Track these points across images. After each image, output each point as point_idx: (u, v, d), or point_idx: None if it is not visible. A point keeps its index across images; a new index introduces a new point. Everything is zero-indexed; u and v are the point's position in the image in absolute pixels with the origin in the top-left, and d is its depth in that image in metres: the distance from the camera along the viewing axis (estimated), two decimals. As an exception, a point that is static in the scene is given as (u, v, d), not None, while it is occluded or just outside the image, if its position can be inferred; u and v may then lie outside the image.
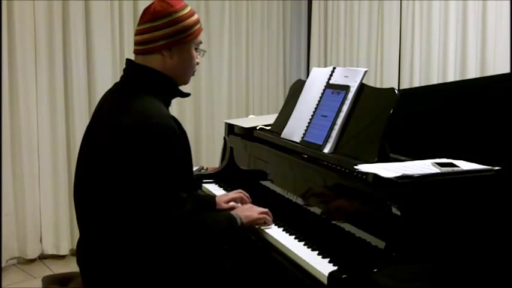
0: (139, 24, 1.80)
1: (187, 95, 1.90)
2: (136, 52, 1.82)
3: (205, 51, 1.91)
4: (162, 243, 1.65)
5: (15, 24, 3.47)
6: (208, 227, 1.73)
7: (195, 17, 1.82)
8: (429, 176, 1.57)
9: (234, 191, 2.19)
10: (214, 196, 2.19)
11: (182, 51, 1.80)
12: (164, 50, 1.77)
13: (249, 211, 1.92)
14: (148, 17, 1.77)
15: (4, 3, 3.42)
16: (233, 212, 1.87)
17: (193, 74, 1.89)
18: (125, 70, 1.84)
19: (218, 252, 1.89)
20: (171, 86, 1.82)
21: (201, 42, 1.86)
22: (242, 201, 2.16)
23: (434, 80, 3.64)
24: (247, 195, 2.17)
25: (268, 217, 1.94)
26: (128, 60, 1.85)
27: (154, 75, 1.78)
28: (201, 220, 1.71)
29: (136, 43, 1.81)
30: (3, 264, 3.49)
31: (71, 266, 3.33)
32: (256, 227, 1.94)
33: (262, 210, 1.94)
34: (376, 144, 1.79)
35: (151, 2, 1.82)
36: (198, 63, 1.87)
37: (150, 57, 1.78)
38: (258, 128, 2.49)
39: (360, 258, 1.62)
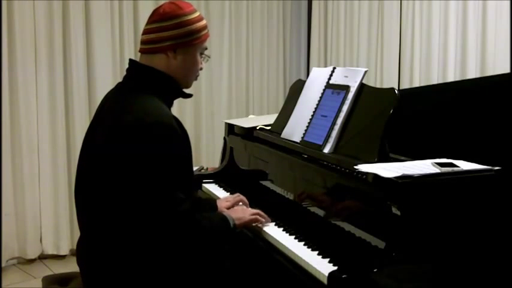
0: (147, 23, 1.81)
1: (189, 95, 1.90)
2: (141, 51, 1.83)
3: (209, 57, 1.92)
4: (158, 243, 1.65)
5: (15, 24, 3.47)
6: (202, 228, 1.73)
7: (203, 22, 1.83)
8: (429, 176, 1.57)
9: (234, 195, 2.19)
10: (215, 200, 2.18)
11: (187, 54, 1.80)
12: (169, 51, 1.77)
13: (241, 213, 1.92)
14: (156, 17, 1.78)
15: (4, 3, 3.42)
16: (226, 214, 1.87)
17: (195, 79, 1.89)
18: (127, 70, 1.85)
19: (218, 252, 1.90)
20: (173, 86, 1.83)
21: (206, 48, 1.87)
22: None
23: (434, 80, 3.64)
24: (246, 201, 2.17)
25: (260, 218, 1.94)
26: (130, 60, 1.86)
27: (156, 75, 1.79)
28: (195, 221, 1.71)
29: (142, 42, 1.82)
30: (3, 264, 3.50)
31: (71, 266, 3.32)
32: (255, 224, 1.95)
33: (254, 212, 1.95)
34: (376, 144, 1.79)
35: (161, 3, 1.82)
36: (201, 69, 1.88)
37: (155, 57, 1.79)
38: (258, 128, 2.49)
39: (360, 258, 1.62)
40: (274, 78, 4.72)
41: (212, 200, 2.21)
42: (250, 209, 2.01)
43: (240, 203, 2.12)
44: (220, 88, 4.45)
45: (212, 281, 1.82)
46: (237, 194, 2.18)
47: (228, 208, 2.10)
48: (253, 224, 1.95)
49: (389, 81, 3.96)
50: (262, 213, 1.97)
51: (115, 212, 1.66)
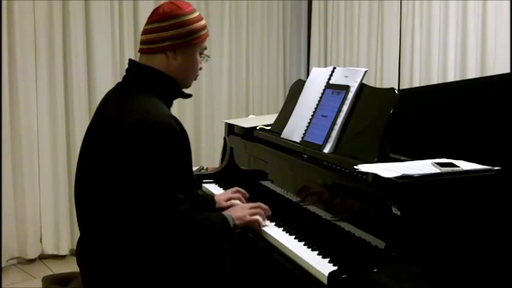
0: (147, 24, 1.81)
1: (189, 95, 1.90)
2: (141, 51, 1.83)
3: (209, 57, 1.92)
4: (157, 243, 1.65)
5: (15, 24, 3.47)
6: (201, 228, 1.73)
7: (203, 22, 1.83)
8: (429, 176, 1.57)
9: (232, 189, 2.20)
10: (212, 195, 2.19)
11: (186, 54, 1.80)
12: (169, 51, 1.78)
13: (241, 212, 1.92)
14: (156, 17, 1.78)
15: (4, 3, 3.42)
16: (226, 213, 1.87)
17: (195, 79, 1.90)
18: (127, 70, 1.85)
19: (218, 252, 1.90)
20: (172, 86, 1.83)
21: (205, 48, 1.87)
22: (240, 201, 2.16)
23: (434, 80, 3.64)
24: (244, 192, 2.18)
25: (260, 217, 1.94)
26: (130, 60, 1.86)
27: (156, 75, 1.79)
28: (195, 221, 1.71)
29: (142, 42, 1.82)
30: (3, 264, 3.49)
31: (71, 266, 3.32)
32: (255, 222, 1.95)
33: (254, 212, 1.94)
34: (376, 144, 1.79)
35: (161, 3, 1.82)
36: (201, 68, 1.88)
37: (154, 57, 1.79)
38: (258, 128, 2.49)
39: (360, 258, 1.62)
40: (274, 78, 4.72)
41: (209, 196, 2.21)
42: (249, 205, 2.00)
43: (238, 201, 2.13)
44: (220, 88, 4.45)
45: (212, 281, 1.82)
46: (235, 189, 2.18)
47: (226, 201, 2.11)
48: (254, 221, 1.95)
49: (389, 81, 3.96)
50: (262, 205, 1.97)
51: (115, 212, 1.66)
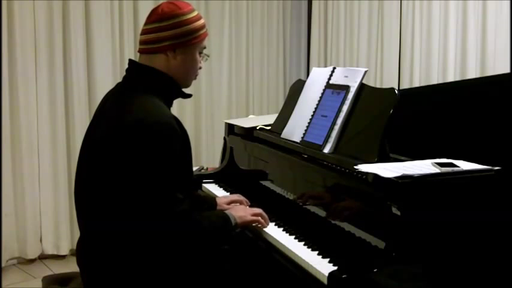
0: (146, 24, 1.81)
1: (189, 95, 1.90)
2: (140, 51, 1.83)
3: (208, 56, 1.93)
4: (157, 243, 1.65)
5: (15, 24, 3.47)
6: (201, 228, 1.73)
7: (202, 21, 1.83)
8: (429, 176, 1.57)
9: (234, 195, 2.20)
10: (214, 197, 2.19)
11: (186, 54, 1.80)
12: (169, 51, 1.78)
13: (243, 212, 1.92)
14: (155, 17, 1.78)
15: (4, 3, 3.42)
16: (227, 212, 1.87)
17: (195, 78, 1.90)
18: (127, 70, 1.85)
19: (218, 252, 1.90)
20: (173, 86, 1.83)
21: (205, 47, 1.87)
22: (241, 204, 2.16)
23: (434, 80, 3.64)
24: (247, 200, 2.18)
25: (261, 219, 1.94)
26: (130, 60, 1.86)
27: (156, 75, 1.79)
28: (194, 220, 1.71)
29: (141, 42, 1.82)
30: (3, 264, 3.49)
31: (71, 266, 3.32)
32: (255, 225, 1.95)
33: (256, 212, 1.94)
34: (376, 144, 1.79)
35: (160, 3, 1.82)
36: (200, 68, 1.88)
37: (154, 57, 1.79)
38: (258, 128, 2.49)
39: (360, 258, 1.62)
40: (274, 78, 4.72)
41: (211, 197, 2.21)
42: (251, 208, 2.01)
43: (239, 204, 2.13)
44: (220, 88, 4.45)
45: (212, 281, 1.82)
46: (238, 195, 2.18)
47: (228, 204, 2.11)
48: (254, 224, 1.95)
49: (389, 81, 3.96)
50: (263, 213, 1.97)
51: (115, 211, 1.66)
